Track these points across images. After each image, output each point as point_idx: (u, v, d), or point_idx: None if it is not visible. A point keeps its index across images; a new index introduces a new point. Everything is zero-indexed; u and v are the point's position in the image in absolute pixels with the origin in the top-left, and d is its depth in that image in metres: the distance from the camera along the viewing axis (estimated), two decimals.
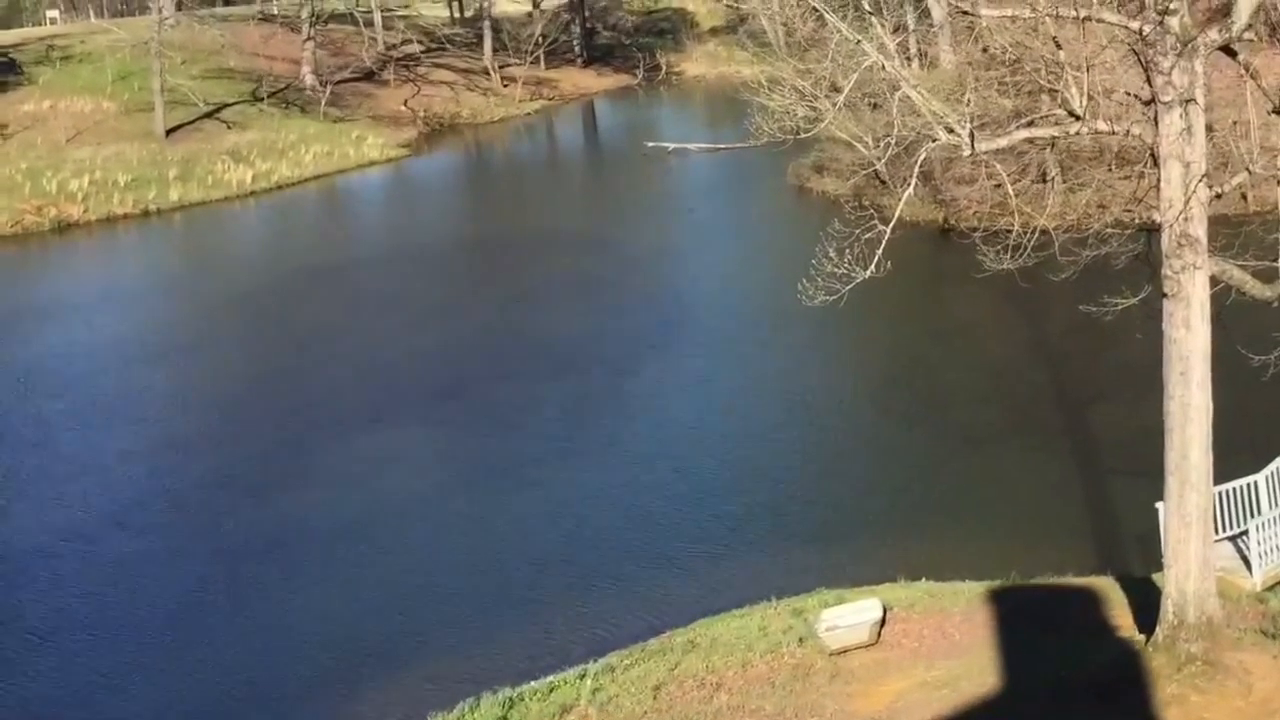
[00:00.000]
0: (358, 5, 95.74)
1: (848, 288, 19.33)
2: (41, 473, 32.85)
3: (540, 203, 63.36)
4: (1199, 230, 17.25)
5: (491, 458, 31.49)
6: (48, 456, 33.99)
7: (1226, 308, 19.24)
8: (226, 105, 78.03)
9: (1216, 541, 19.17)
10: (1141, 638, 18.35)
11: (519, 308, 44.26)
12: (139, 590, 26.26)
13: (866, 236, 18.77)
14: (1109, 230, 22.53)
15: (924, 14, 57.14)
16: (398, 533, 27.85)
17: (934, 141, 18.15)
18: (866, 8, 19.73)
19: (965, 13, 19.30)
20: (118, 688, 22.85)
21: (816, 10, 19.74)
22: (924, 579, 22.21)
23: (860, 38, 18.38)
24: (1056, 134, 19.22)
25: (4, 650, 24.49)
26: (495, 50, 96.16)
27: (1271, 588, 19.90)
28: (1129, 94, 18.92)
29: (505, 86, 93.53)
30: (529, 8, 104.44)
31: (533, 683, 20.40)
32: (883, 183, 45.80)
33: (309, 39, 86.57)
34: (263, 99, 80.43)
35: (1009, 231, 21.17)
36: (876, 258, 18.51)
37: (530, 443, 32.27)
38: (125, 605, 25.72)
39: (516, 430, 33.23)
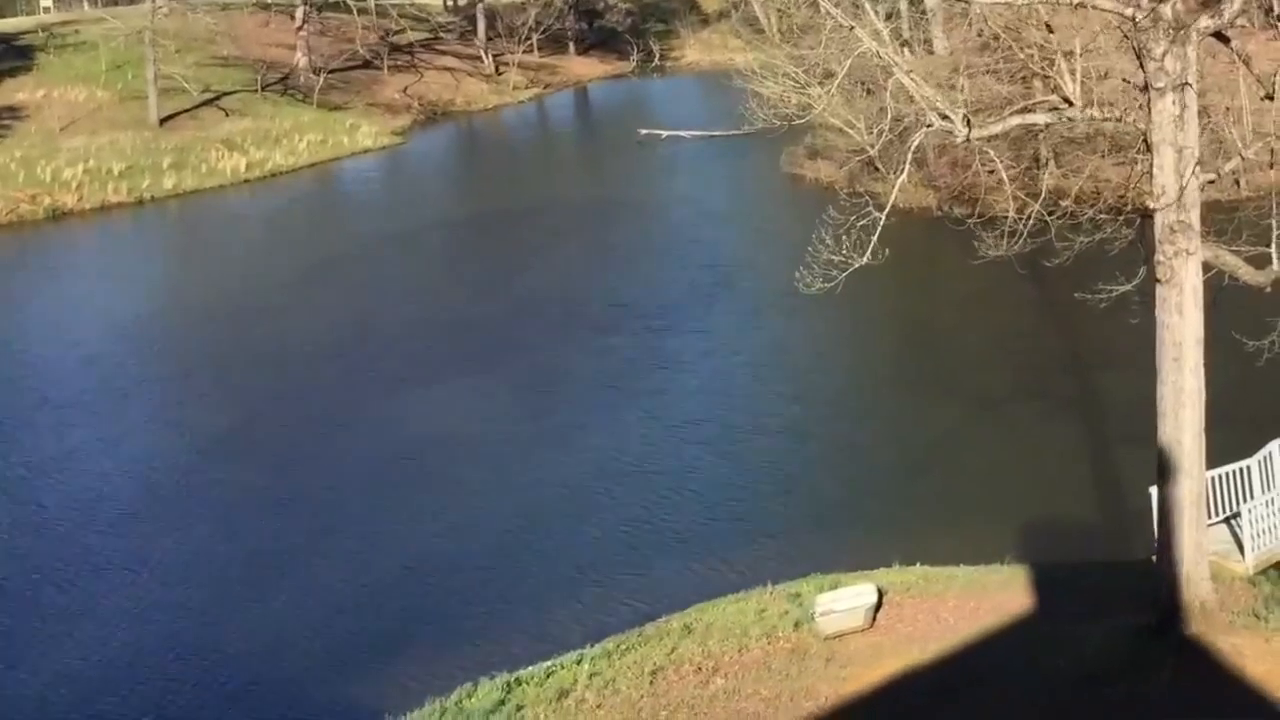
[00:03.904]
0: None
1: (843, 275, 19.43)
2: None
3: (534, 188, 63.37)
4: (1192, 216, 17.32)
5: (487, 439, 31.61)
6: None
7: (1221, 292, 19.32)
8: (221, 94, 77.86)
9: (1209, 525, 19.29)
10: (1135, 621, 18.45)
11: (515, 293, 44.34)
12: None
13: (861, 223, 18.85)
14: (1103, 216, 22.58)
15: None
16: (398, 515, 27.94)
17: (928, 127, 18.22)
18: None
19: None
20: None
21: None
22: (919, 564, 22.29)
23: (853, 24, 18.44)
24: (1051, 120, 19.27)
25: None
26: (490, 38, 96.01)
27: (1264, 571, 20.01)
28: (1123, 80, 18.98)
29: (500, 74, 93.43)
30: None
31: (530, 667, 20.46)
32: (877, 169, 45.82)
33: (303, 27, 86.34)
34: (258, 88, 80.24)
35: (1004, 217, 21.23)
36: (872, 244, 18.60)
37: (531, 423, 32.38)
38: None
39: (519, 411, 33.33)
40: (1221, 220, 22.75)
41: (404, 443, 31.91)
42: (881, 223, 18.30)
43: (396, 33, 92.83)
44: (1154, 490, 18.81)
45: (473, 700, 19.73)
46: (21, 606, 25.39)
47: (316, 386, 36.50)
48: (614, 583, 24.38)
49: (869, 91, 47.41)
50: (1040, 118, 19.42)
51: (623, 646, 20.62)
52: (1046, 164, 44.86)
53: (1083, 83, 17.98)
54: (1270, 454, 21.34)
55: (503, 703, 19.43)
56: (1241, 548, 20.27)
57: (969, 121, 18.03)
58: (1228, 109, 32.12)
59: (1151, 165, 17.40)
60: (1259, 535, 20.22)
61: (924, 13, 55.57)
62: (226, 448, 32.65)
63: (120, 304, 47.33)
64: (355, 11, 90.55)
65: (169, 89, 73.61)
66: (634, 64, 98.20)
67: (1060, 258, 23.44)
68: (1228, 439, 20.35)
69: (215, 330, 42.97)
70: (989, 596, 20.52)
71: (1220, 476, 20.87)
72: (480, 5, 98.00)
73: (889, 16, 48.97)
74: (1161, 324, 17.64)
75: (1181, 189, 17.09)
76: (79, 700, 22.16)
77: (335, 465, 30.93)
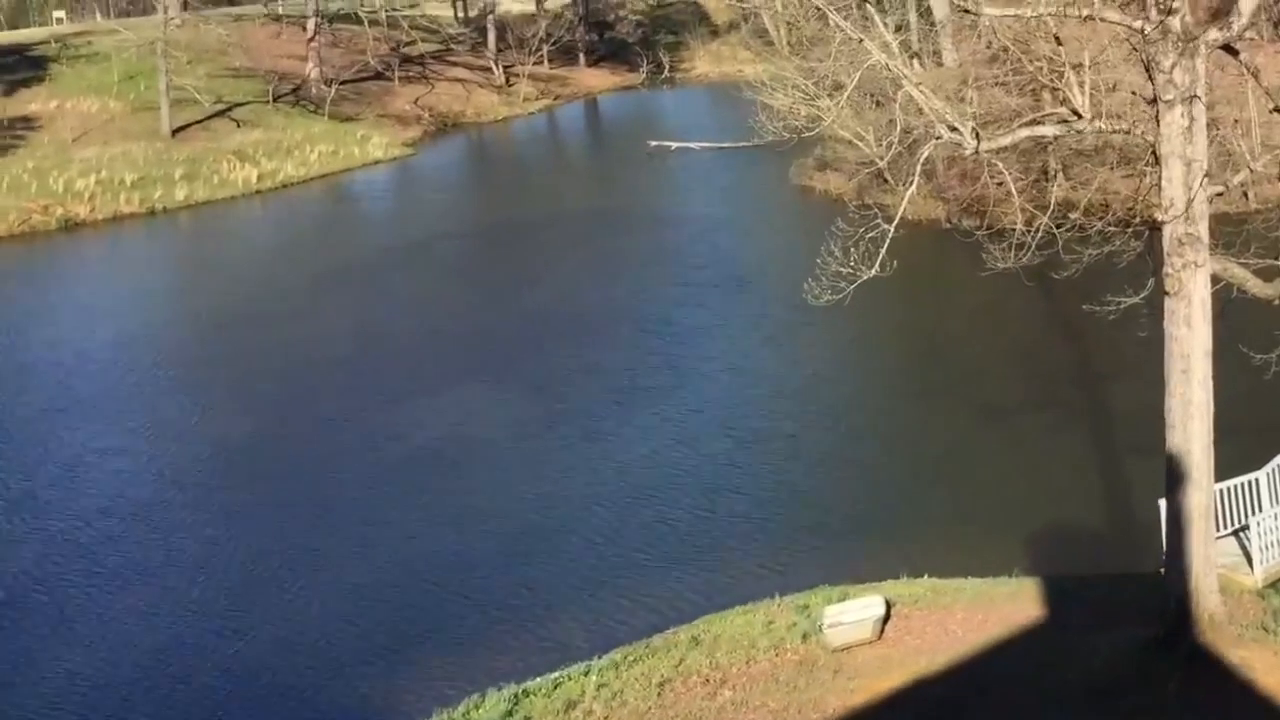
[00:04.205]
0: (362, 4, 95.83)
1: (852, 286, 19.45)
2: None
3: (544, 199, 63.51)
4: (1200, 228, 17.33)
5: (494, 448, 31.64)
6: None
7: (1229, 305, 19.32)
8: (233, 105, 78.12)
9: (1218, 538, 19.27)
10: (1144, 634, 18.42)
11: (524, 304, 44.45)
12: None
13: (870, 235, 18.87)
14: (1111, 229, 22.58)
15: (926, 11, 57.18)
16: (403, 524, 27.98)
17: (937, 140, 18.24)
18: (870, 7, 19.83)
19: (967, 11, 19.39)
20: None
21: (819, 9, 19.84)
22: (927, 576, 22.27)
23: (863, 36, 18.49)
24: (1059, 132, 19.29)
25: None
26: (501, 50, 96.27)
27: (1273, 584, 19.96)
28: (1132, 92, 19.00)
29: (510, 85, 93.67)
30: (533, 8, 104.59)
31: (537, 678, 20.48)
32: (886, 181, 45.85)
33: (314, 38, 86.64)
34: (269, 99, 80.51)
35: (1012, 229, 21.25)
36: (880, 256, 18.63)
37: (538, 434, 32.42)
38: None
39: (526, 421, 33.38)
40: (1230, 233, 22.72)
41: (410, 451, 31.99)
42: (890, 234, 18.32)
43: (407, 44, 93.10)
44: (1162, 502, 18.79)
45: (480, 711, 19.75)
46: (30, 608, 25.52)
47: (325, 394, 36.61)
48: (620, 594, 24.36)
49: (878, 104, 47.45)
50: (1049, 130, 19.43)
51: (630, 658, 20.63)
52: (1055, 176, 44.85)
53: (1091, 95, 18.00)
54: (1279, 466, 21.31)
55: (510, 714, 19.44)
56: (1250, 560, 20.24)
57: (978, 134, 18.07)
58: (1236, 121, 32.17)
59: (1160, 178, 17.41)
60: (1268, 548, 20.18)
61: (933, 25, 55.61)
62: (235, 453, 32.77)
63: (131, 313, 47.58)
64: (366, 23, 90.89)
65: (181, 100, 73.88)
66: (644, 76, 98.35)
67: (1069, 270, 23.45)
68: (1236, 451, 20.33)
69: (225, 339, 43.10)
70: (997, 608, 20.50)
71: (1229, 489, 20.84)
72: (491, 17, 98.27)
73: (898, 29, 49.10)
74: (1170, 336, 17.63)
75: (1190, 201, 17.10)
76: (86, 701, 22.26)
77: (341, 473, 31.01)
